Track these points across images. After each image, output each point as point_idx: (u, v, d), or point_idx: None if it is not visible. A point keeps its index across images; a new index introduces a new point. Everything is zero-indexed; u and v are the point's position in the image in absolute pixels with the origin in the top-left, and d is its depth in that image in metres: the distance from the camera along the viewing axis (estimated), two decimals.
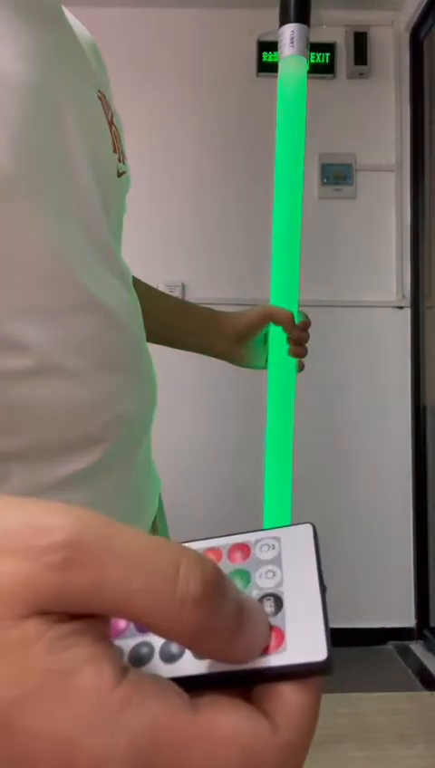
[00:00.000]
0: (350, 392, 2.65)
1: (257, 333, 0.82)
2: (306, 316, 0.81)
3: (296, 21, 0.69)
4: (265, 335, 0.82)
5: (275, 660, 0.19)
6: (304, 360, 0.81)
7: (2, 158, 0.44)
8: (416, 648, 2.53)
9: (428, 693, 0.59)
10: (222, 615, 0.18)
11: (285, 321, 0.78)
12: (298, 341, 0.79)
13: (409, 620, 2.60)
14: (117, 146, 0.60)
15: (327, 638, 0.19)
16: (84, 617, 0.17)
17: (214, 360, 0.88)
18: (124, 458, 0.57)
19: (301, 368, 0.80)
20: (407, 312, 2.68)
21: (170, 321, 0.84)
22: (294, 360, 0.79)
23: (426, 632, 2.54)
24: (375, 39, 2.73)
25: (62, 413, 0.50)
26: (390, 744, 0.50)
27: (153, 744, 0.16)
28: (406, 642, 2.57)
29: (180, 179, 2.67)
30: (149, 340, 0.66)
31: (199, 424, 2.60)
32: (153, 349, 0.67)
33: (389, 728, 0.51)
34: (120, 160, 0.60)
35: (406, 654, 2.50)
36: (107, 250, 0.57)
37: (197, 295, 2.54)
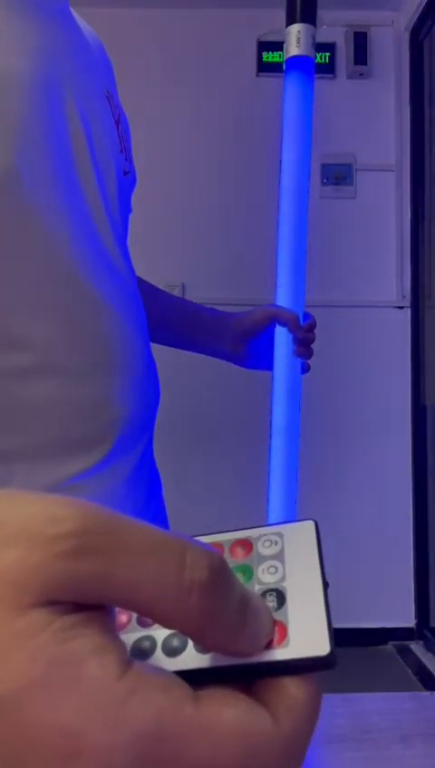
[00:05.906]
0: (350, 392, 2.65)
1: (262, 334, 0.82)
2: (313, 317, 0.81)
3: (303, 21, 0.68)
4: (270, 336, 0.81)
5: (278, 654, 0.19)
6: None
7: (8, 156, 0.44)
8: (416, 648, 2.53)
9: (428, 693, 0.58)
10: (228, 604, 0.18)
11: (290, 322, 0.77)
12: (304, 342, 0.78)
13: (409, 620, 2.60)
14: (123, 145, 0.60)
15: (330, 632, 0.19)
16: (90, 608, 0.17)
17: (218, 360, 0.87)
18: (126, 458, 0.57)
19: (306, 369, 0.80)
20: (407, 312, 2.68)
21: (174, 321, 0.84)
22: (299, 361, 0.79)
23: (426, 632, 2.54)
24: (375, 39, 2.73)
25: (62, 412, 0.50)
26: (390, 744, 0.49)
27: (157, 735, 0.16)
28: (406, 642, 2.56)
29: (180, 179, 2.67)
30: (153, 340, 0.66)
31: (202, 424, 2.59)
32: (155, 348, 0.67)
33: (389, 728, 0.51)
34: (126, 159, 0.60)
35: (406, 654, 2.50)
36: (112, 249, 0.56)
37: (197, 295, 2.52)
